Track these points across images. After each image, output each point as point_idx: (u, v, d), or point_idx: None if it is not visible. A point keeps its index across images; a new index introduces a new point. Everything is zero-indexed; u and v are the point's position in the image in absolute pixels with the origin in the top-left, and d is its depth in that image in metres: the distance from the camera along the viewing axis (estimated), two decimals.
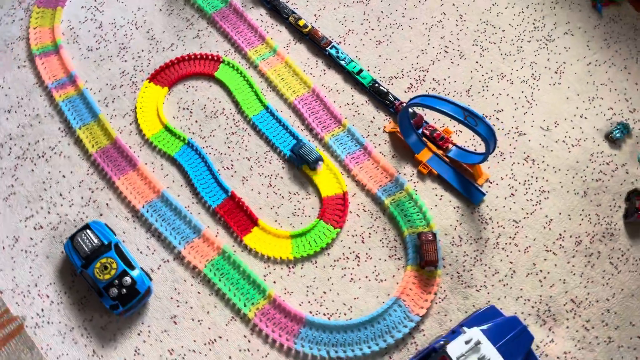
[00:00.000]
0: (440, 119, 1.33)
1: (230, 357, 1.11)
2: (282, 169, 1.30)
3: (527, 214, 1.22)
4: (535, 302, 1.14)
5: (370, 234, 1.22)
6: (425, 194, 1.25)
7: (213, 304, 1.16)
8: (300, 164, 1.27)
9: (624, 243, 1.19)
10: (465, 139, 1.31)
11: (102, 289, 1.10)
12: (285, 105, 1.37)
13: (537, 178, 1.26)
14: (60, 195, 1.28)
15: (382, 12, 1.48)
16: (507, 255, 1.18)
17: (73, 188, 1.29)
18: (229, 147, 1.32)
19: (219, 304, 1.16)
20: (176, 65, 1.42)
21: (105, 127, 1.34)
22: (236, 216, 1.24)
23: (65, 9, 1.51)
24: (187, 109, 1.37)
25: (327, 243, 1.20)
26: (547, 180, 1.26)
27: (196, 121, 1.36)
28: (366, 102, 1.37)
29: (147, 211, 1.25)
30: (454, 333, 1.03)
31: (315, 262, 1.20)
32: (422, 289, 1.15)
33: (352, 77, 1.39)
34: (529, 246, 1.19)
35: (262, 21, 1.49)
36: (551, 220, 1.21)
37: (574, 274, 1.16)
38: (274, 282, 1.18)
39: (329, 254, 1.20)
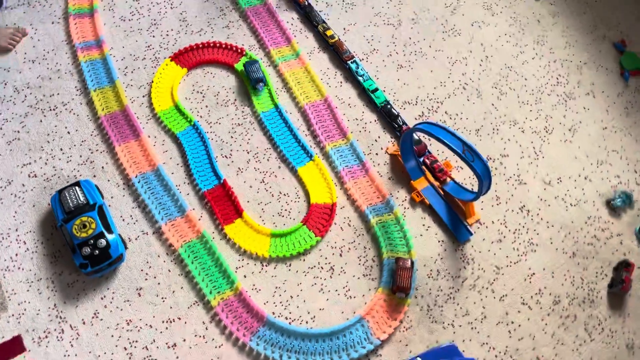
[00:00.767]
0: (444, 152, 1.32)
1: (184, 340, 1.10)
2: (278, 169, 1.30)
3: (511, 262, 1.20)
4: (500, 352, 1.11)
5: (349, 249, 1.21)
6: (413, 222, 1.24)
7: (180, 285, 1.16)
8: (250, 83, 1.37)
9: (603, 312, 1.16)
10: (464, 176, 1.30)
11: (75, 246, 1.11)
12: (296, 108, 1.39)
13: (528, 229, 1.24)
14: (61, 150, 1.30)
15: (410, 38, 1.50)
16: (482, 299, 1.16)
17: (74, 145, 1.31)
18: (231, 137, 1.34)
19: (186, 286, 1.16)
20: (200, 50, 1.45)
21: (119, 93, 1.37)
22: (223, 204, 1.25)
23: None
24: (201, 93, 1.40)
25: (305, 249, 1.20)
26: (538, 234, 1.23)
27: (206, 106, 1.38)
28: (375, 121, 1.37)
29: (139, 182, 1.26)
30: None
31: (290, 265, 1.19)
32: (389, 314, 1.14)
33: (366, 95, 1.39)
34: (506, 295, 1.17)
35: (291, 24, 1.52)
36: (534, 274, 1.19)
37: (546, 333, 1.13)
38: (245, 276, 1.18)
39: (304, 260, 1.20)
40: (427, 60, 1.46)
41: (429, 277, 1.18)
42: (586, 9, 1.56)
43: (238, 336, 1.11)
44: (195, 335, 1.11)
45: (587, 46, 1.49)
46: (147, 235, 1.21)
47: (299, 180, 1.29)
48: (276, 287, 1.17)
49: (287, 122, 1.35)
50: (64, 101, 1.37)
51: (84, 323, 1.12)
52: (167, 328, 1.12)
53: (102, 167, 1.29)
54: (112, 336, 1.11)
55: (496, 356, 1.11)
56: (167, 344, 1.10)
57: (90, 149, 1.31)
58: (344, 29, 1.52)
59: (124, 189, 1.26)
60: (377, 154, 1.33)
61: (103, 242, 1.12)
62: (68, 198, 1.16)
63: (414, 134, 1.33)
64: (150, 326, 1.12)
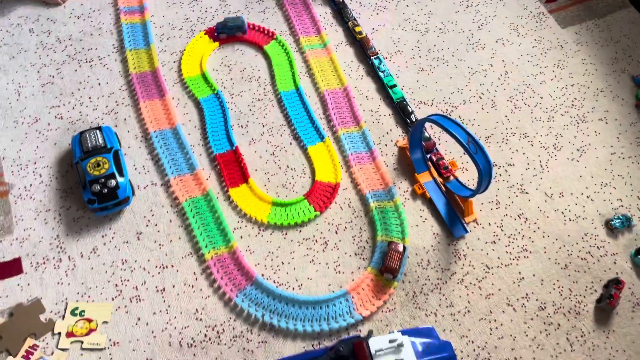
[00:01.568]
0: (452, 152, 1.36)
1: (173, 286, 1.14)
2: (290, 145, 1.35)
3: (502, 264, 1.21)
4: (478, 347, 1.12)
5: (346, 227, 1.24)
6: (411, 212, 1.27)
7: (178, 235, 1.20)
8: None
9: (588, 326, 1.16)
10: (468, 177, 1.32)
11: (87, 182, 1.17)
12: (315, 93, 1.44)
13: (523, 236, 1.25)
14: (89, 98, 1.38)
15: (434, 45, 1.55)
16: (468, 295, 1.17)
17: (102, 96, 1.39)
18: (250, 110, 1.40)
19: (184, 237, 1.20)
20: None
21: (152, 56, 1.45)
22: (232, 168, 1.30)
23: None
24: (228, 66, 1.47)
25: (302, 221, 1.23)
26: (532, 242, 1.25)
27: (231, 79, 1.45)
28: (389, 115, 1.42)
29: (157, 137, 1.32)
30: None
31: (286, 233, 1.22)
32: (374, 294, 1.15)
33: (384, 90, 1.44)
34: (492, 294, 1.18)
35: (324, 17, 1.59)
36: (523, 278, 1.20)
37: (527, 335, 1.14)
38: (241, 236, 1.21)
39: (300, 231, 1.23)
40: (448, 67, 1.51)
41: (418, 265, 1.20)
42: (610, 42, 1.59)
43: (225, 290, 1.14)
44: (185, 284, 1.15)
45: (606, 76, 1.52)
46: (155, 185, 1.26)
47: (307, 157, 1.33)
48: (269, 252, 1.20)
49: (304, 104, 1.41)
50: (100, 56, 1.45)
51: (81, 256, 1.16)
52: (159, 273, 1.15)
53: (125, 119, 1.35)
54: (106, 272, 1.15)
55: (474, 350, 1.11)
56: (156, 287, 1.14)
57: (116, 102, 1.38)
58: (373, 28, 1.58)
59: (141, 141, 1.32)
60: (386, 145, 1.37)
61: (113, 182, 1.18)
62: (88, 139, 1.23)
63: (425, 130, 1.37)
64: (144, 269, 1.16)
